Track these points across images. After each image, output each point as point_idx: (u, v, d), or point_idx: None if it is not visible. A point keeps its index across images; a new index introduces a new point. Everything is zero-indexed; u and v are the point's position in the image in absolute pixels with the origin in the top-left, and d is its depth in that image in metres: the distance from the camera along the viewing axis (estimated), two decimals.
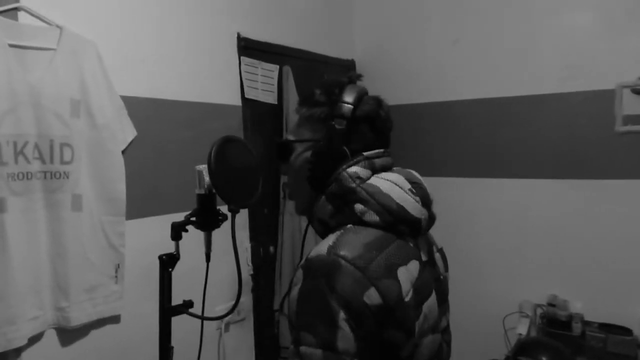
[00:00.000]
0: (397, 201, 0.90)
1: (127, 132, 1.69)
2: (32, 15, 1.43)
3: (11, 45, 1.37)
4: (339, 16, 2.94)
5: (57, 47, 1.47)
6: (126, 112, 1.69)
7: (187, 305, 1.25)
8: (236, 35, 2.18)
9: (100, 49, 1.61)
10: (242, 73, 2.21)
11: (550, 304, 2.42)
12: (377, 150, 0.99)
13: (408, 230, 0.93)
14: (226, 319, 2.21)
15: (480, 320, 2.63)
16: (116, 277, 1.65)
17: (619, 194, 2.31)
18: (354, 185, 0.92)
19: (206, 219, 1.22)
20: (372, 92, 1.03)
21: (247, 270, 2.24)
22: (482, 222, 2.69)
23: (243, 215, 2.22)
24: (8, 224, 1.35)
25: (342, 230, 0.89)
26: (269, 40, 2.35)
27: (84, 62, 1.54)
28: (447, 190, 2.66)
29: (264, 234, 2.33)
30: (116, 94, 1.65)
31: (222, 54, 2.13)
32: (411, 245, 0.94)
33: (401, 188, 0.93)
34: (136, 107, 1.74)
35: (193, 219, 1.22)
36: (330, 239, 0.88)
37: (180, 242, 1.19)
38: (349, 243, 0.86)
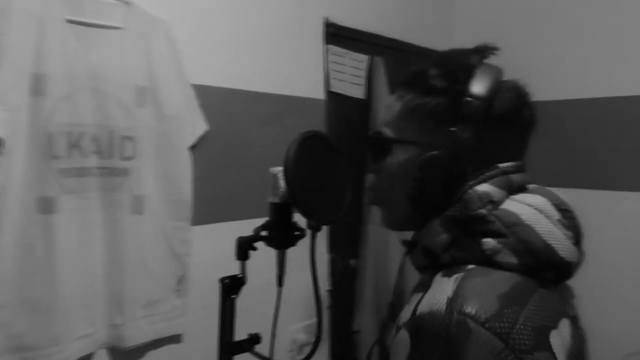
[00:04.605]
0: (544, 238, 0.63)
1: (197, 126, 1.50)
2: None
3: (70, 21, 1.20)
4: (438, 3, 2.61)
5: (123, 25, 1.30)
6: (197, 103, 1.50)
7: (252, 340, 1.02)
8: (323, 21, 1.93)
9: (173, 31, 1.43)
10: (329, 63, 1.96)
11: None
12: (514, 163, 0.70)
13: (554, 277, 0.65)
14: (300, 339, 2.00)
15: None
16: (178, 290, 1.45)
17: None
18: (484, 211, 0.65)
19: (280, 234, 0.97)
20: None
21: (324, 285, 1.99)
22: (603, 243, 2.24)
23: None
24: (57, 226, 1.19)
25: (462, 273, 0.62)
26: (360, 27, 2.08)
27: (153, 44, 1.36)
28: None
29: (345, 245, 2.08)
30: (187, 81, 1.47)
31: (306, 41, 1.90)
32: (557, 295, 0.66)
33: (548, 218, 0.65)
34: (208, 97, 1.55)
35: (264, 233, 0.98)
36: (447, 286, 0.61)
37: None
38: (478, 294, 0.59)
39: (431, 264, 0.69)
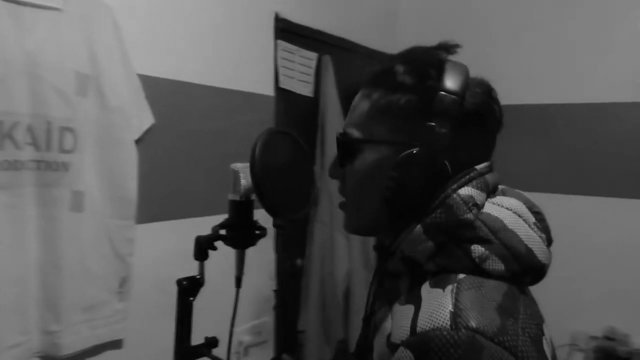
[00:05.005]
0: (525, 242, 0.63)
1: (143, 118, 1.42)
2: None
3: None
4: (385, 5, 2.65)
5: (63, 7, 1.20)
6: (143, 95, 1.42)
7: (210, 344, 0.97)
8: (274, 16, 1.90)
9: (118, 16, 1.34)
10: (278, 59, 1.92)
11: (608, 337, 2.18)
12: (487, 163, 0.69)
13: (531, 281, 0.65)
14: (246, 341, 1.96)
15: None
16: (121, 292, 1.37)
17: None
18: (470, 216, 0.62)
19: (240, 233, 0.93)
20: None
21: (269, 285, 1.96)
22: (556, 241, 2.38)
23: (267, 221, 1.94)
24: None
25: (454, 284, 0.59)
26: (310, 24, 2.06)
27: (96, 29, 1.27)
28: None
29: (291, 244, 2.05)
30: (133, 71, 1.38)
31: (256, 36, 1.86)
32: (533, 300, 0.67)
33: (526, 222, 0.65)
34: (155, 89, 1.47)
35: (223, 232, 0.94)
36: (445, 299, 0.58)
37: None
38: (479, 308, 0.56)
39: (409, 271, 0.66)
